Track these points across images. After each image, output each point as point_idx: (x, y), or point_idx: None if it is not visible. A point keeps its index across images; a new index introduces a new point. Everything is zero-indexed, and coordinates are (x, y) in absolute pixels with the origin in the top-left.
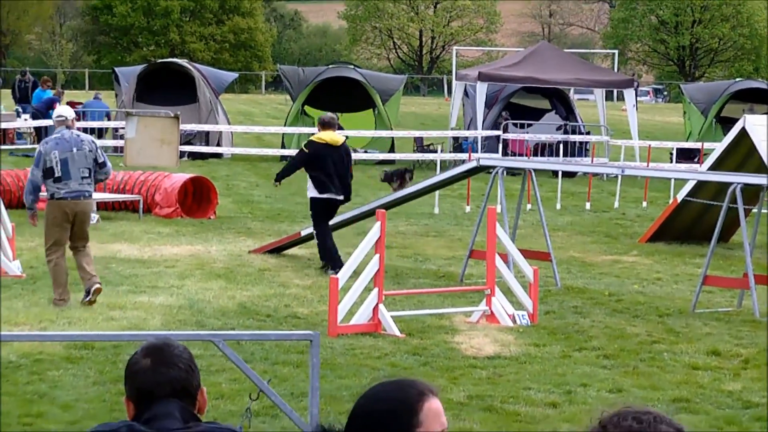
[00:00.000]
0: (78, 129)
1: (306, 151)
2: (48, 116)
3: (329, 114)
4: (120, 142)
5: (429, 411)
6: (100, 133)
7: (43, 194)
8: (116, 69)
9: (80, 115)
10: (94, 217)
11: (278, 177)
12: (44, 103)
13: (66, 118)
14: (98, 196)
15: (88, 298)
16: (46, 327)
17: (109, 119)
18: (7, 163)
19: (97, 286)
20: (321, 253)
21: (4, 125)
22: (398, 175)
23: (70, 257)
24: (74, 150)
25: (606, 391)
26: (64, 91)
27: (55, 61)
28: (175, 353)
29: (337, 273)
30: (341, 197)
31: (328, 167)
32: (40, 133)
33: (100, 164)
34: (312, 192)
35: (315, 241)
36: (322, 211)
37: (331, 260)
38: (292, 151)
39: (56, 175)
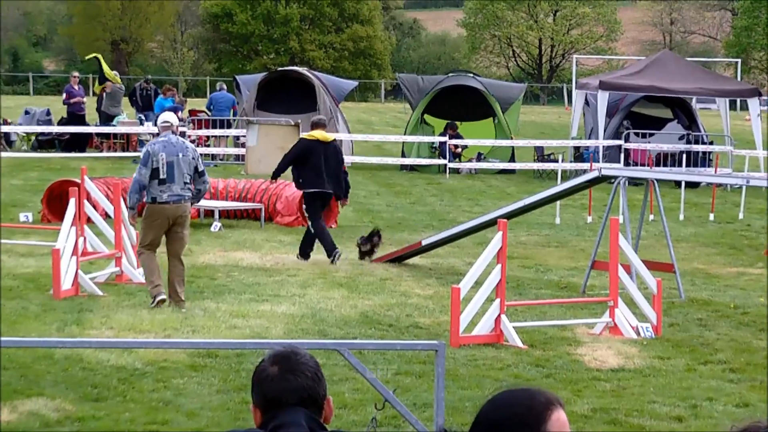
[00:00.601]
0: (202, 124)
1: (297, 146)
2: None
3: (319, 116)
4: (241, 151)
5: (557, 421)
6: (228, 124)
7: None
8: (237, 77)
9: (209, 108)
10: (217, 225)
11: (274, 174)
12: (166, 111)
13: (171, 124)
14: (220, 204)
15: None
16: (170, 335)
17: (235, 112)
18: (130, 170)
19: (181, 307)
20: (323, 245)
21: (125, 131)
22: (367, 239)
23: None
24: (180, 155)
25: (732, 406)
26: (186, 99)
27: (176, 69)
28: (302, 362)
29: (334, 257)
30: (330, 191)
31: (318, 162)
32: None
33: (200, 173)
34: (302, 187)
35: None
36: (314, 205)
37: (330, 246)
38: (412, 160)
39: (161, 176)
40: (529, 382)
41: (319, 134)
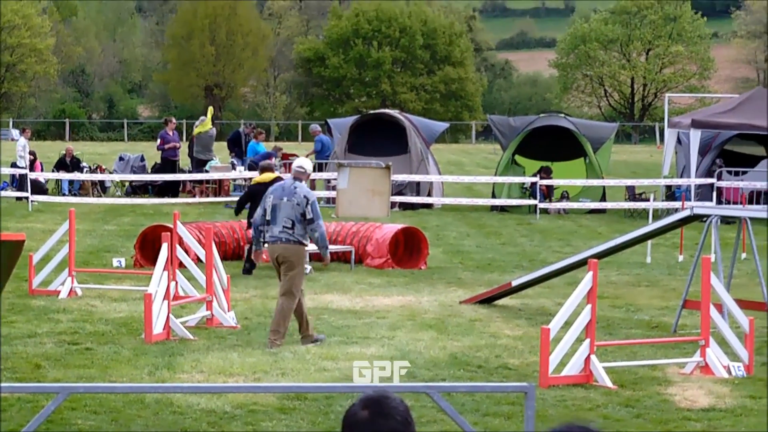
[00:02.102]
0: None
1: (246, 190)
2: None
3: (266, 161)
4: (332, 193)
5: None
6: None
7: None
8: (329, 120)
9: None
10: (308, 268)
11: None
12: (261, 157)
13: (304, 171)
14: (310, 247)
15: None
16: (260, 378)
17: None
18: (223, 215)
19: (270, 342)
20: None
21: (217, 176)
22: None
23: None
24: (284, 199)
25: None
26: (281, 147)
27: (269, 113)
28: (393, 405)
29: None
30: None
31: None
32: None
33: (308, 220)
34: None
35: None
36: None
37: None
38: (503, 201)
39: (267, 218)
40: (618, 423)
41: (263, 177)
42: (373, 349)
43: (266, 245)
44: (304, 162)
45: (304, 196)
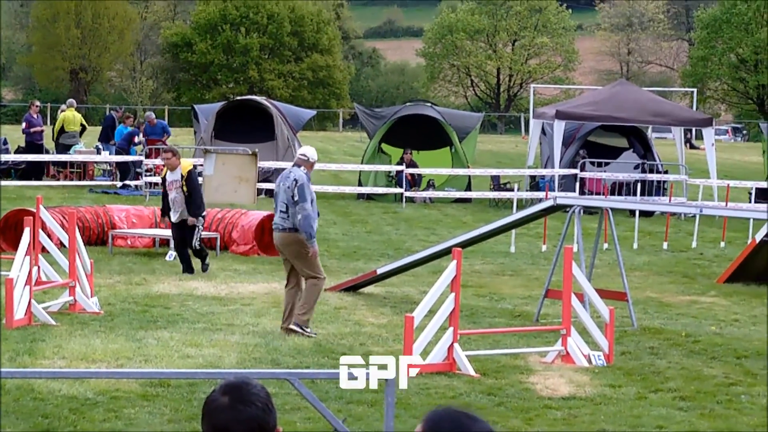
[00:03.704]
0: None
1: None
2: (131, 152)
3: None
4: (198, 179)
5: None
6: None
7: None
8: (195, 106)
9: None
10: (172, 254)
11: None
12: (125, 138)
13: (307, 158)
14: None
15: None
16: (123, 364)
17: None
18: (87, 199)
19: (288, 327)
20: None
21: (82, 159)
22: None
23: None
24: (281, 185)
25: None
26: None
27: (135, 98)
28: (253, 392)
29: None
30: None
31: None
32: (122, 170)
33: (294, 201)
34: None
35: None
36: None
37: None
38: (370, 189)
39: (274, 206)
40: (481, 411)
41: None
42: (238, 336)
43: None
44: (307, 149)
45: (294, 179)
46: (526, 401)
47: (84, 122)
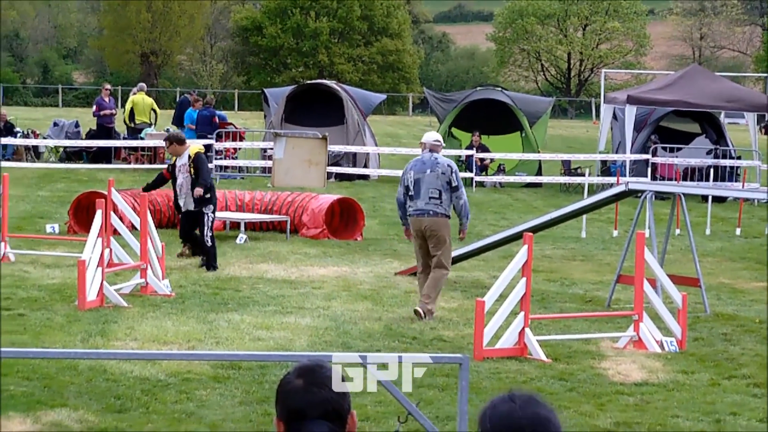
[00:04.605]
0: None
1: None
2: (211, 133)
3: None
4: (268, 163)
5: None
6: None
7: None
8: (265, 90)
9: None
10: (242, 237)
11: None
12: (206, 122)
13: (440, 143)
14: (246, 216)
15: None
16: (194, 346)
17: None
18: None
19: (420, 309)
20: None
21: (153, 144)
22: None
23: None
24: (427, 171)
25: (756, 421)
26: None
27: (205, 82)
28: (327, 374)
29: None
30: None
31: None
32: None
33: (453, 188)
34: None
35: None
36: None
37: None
38: None
39: (410, 193)
40: (552, 396)
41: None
42: (308, 320)
43: (411, 217)
44: (438, 135)
45: (448, 165)
46: (598, 386)
47: (155, 107)
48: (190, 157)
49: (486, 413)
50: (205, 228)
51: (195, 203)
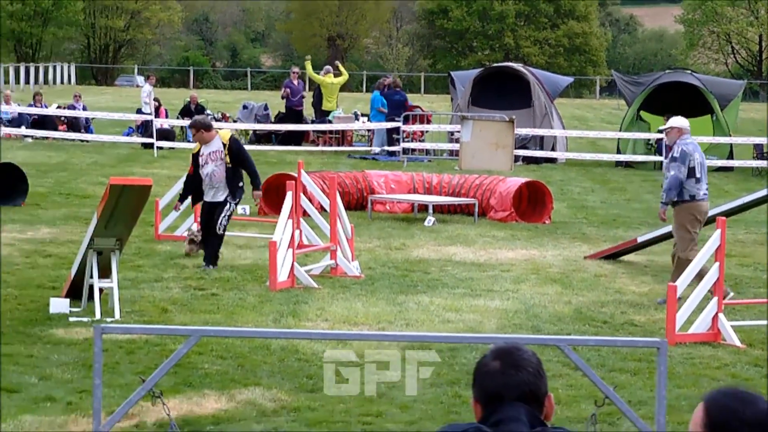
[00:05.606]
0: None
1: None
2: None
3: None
4: (455, 146)
5: None
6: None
7: None
8: (452, 73)
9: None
10: (431, 219)
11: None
12: (397, 105)
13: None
14: (434, 199)
15: None
16: (384, 327)
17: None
18: (346, 165)
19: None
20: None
21: (341, 127)
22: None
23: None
24: (697, 153)
25: None
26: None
27: (391, 65)
28: (524, 357)
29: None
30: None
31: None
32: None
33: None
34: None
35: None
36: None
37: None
38: (628, 157)
39: (697, 176)
40: (747, 383)
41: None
42: (497, 302)
43: (700, 202)
44: (682, 121)
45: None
46: None
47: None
48: (224, 144)
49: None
50: (224, 215)
51: (230, 195)
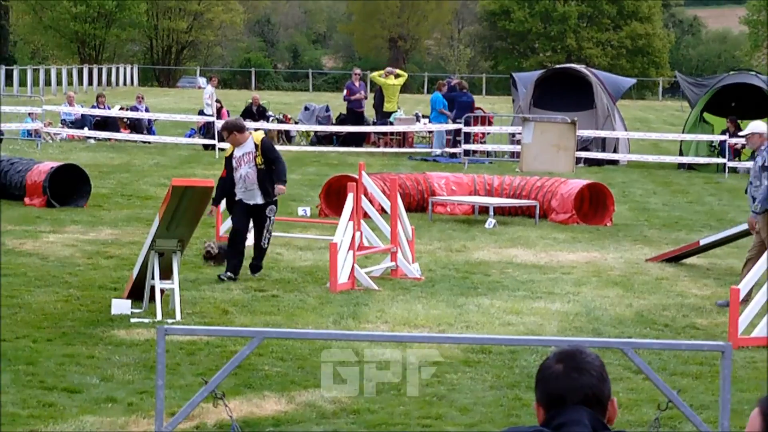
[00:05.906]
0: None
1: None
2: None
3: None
4: (516, 148)
5: None
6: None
7: None
8: (514, 74)
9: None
10: (491, 221)
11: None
12: (465, 107)
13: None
14: (495, 201)
15: None
16: (445, 330)
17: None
18: (406, 166)
19: None
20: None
21: (402, 129)
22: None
23: None
24: None
25: None
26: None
27: (452, 67)
28: (588, 360)
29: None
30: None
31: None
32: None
33: None
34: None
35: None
36: None
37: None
38: (691, 159)
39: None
40: None
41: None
42: (558, 305)
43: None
44: (762, 125)
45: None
46: None
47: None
48: (256, 146)
49: None
50: (268, 228)
51: (266, 196)
